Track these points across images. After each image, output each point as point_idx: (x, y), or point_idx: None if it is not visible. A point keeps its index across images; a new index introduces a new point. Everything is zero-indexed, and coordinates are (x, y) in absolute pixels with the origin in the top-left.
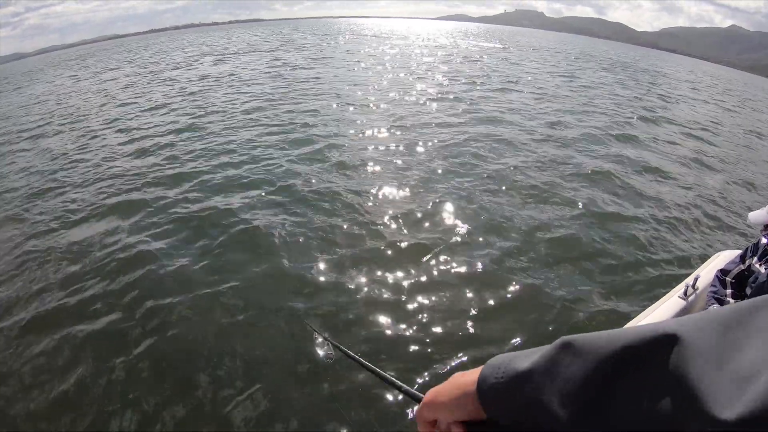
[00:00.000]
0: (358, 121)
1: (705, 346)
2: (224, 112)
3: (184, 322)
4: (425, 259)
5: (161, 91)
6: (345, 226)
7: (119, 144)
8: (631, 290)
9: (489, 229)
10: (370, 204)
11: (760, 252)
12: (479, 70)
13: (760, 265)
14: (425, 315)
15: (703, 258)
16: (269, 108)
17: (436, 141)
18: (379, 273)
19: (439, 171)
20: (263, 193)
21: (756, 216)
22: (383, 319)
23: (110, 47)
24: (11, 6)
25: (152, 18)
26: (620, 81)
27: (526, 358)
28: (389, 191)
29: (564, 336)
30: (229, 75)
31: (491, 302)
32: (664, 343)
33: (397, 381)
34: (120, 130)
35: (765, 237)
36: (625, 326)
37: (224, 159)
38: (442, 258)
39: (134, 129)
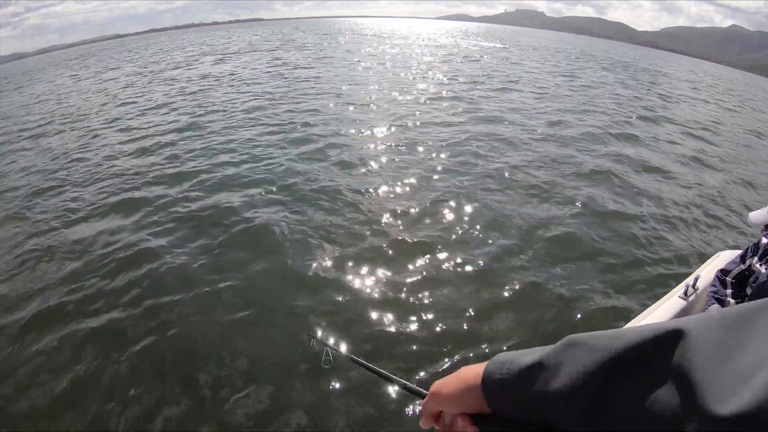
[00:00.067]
0: (359, 121)
1: (710, 342)
2: (225, 111)
3: (185, 321)
4: (426, 257)
5: (162, 90)
6: (346, 225)
7: (120, 143)
8: (632, 289)
9: (490, 227)
10: (370, 202)
11: (760, 252)
12: (479, 70)
13: (761, 265)
14: (426, 313)
15: (704, 257)
16: (270, 107)
17: (436, 140)
18: (379, 271)
19: (440, 170)
20: (264, 192)
21: (756, 216)
22: (384, 317)
23: (110, 47)
24: (11, 6)
25: (152, 18)
26: (621, 80)
27: (531, 355)
28: (390, 190)
29: (569, 335)
30: (230, 74)
31: (492, 300)
32: (669, 339)
33: (400, 379)
34: (121, 130)
35: (765, 237)
36: (626, 326)
37: (225, 158)
38: (442, 256)
39: (135, 128)
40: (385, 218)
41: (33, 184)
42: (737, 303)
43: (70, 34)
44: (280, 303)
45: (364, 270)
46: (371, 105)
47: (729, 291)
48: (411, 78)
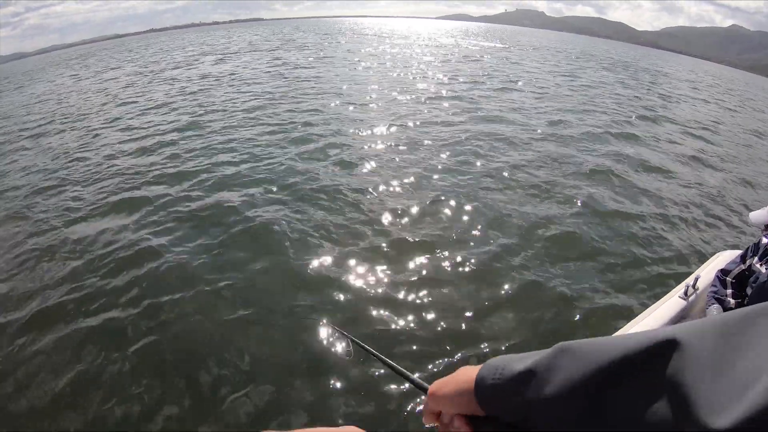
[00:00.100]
0: (359, 120)
1: (704, 351)
2: (225, 111)
3: (186, 320)
4: (426, 256)
5: (162, 90)
6: (346, 224)
7: (120, 142)
8: (632, 289)
9: (490, 226)
10: (371, 202)
11: (760, 252)
12: (480, 70)
13: (761, 265)
14: (427, 312)
15: (704, 257)
16: (270, 107)
17: (437, 139)
18: (379, 270)
19: (440, 169)
20: (264, 191)
21: (756, 216)
22: (384, 316)
23: (110, 47)
24: (11, 6)
25: (152, 18)
26: (621, 80)
27: (523, 361)
28: (390, 189)
29: (561, 342)
30: (230, 74)
31: (492, 299)
32: (662, 348)
33: (409, 374)
34: (121, 129)
35: (766, 237)
36: (625, 326)
37: (225, 157)
38: (443, 255)
39: (135, 128)
40: (386, 217)
41: (33, 183)
42: (737, 303)
43: (70, 34)
44: (280, 302)
45: (364, 269)
46: (371, 104)
47: (729, 291)
48: (411, 78)
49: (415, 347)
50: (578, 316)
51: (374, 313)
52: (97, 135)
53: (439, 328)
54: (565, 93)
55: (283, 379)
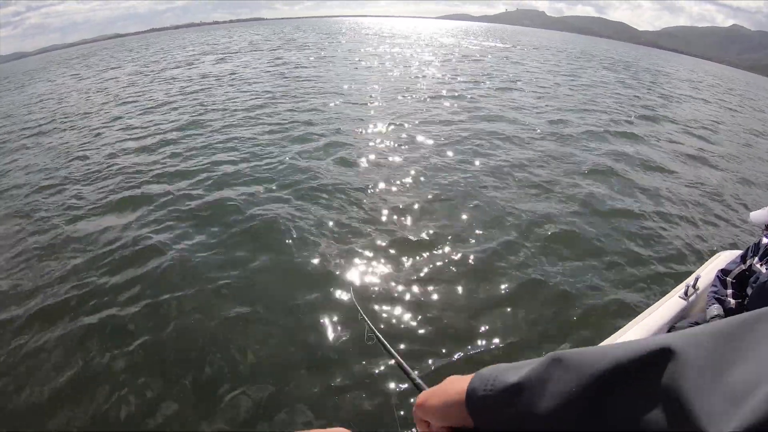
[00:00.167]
0: (360, 119)
1: (700, 359)
2: (226, 110)
3: (187, 317)
4: (427, 254)
5: (163, 89)
6: (347, 222)
7: (121, 141)
8: (632, 287)
9: (490, 224)
10: (371, 200)
11: (761, 252)
12: (480, 69)
13: (761, 265)
14: (427, 310)
15: (704, 257)
16: (271, 106)
17: (437, 138)
18: (379, 268)
19: (441, 167)
20: (264, 190)
21: (757, 216)
22: (384, 314)
23: (111, 46)
24: (12, 5)
25: (152, 17)
26: (621, 80)
27: (515, 372)
28: (391, 188)
29: (553, 352)
30: (231, 74)
31: (493, 296)
32: (657, 357)
33: (411, 371)
34: (122, 128)
35: (766, 237)
36: (625, 326)
37: (226, 156)
38: (443, 253)
39: (136, 127)
40: (386, 216)
41: (35, 182)
42: (738, 303)
43: (70, 34)
44: (280, 300)
45: (365, 267)
46: (372, 104)
47: (729, 291)
48: (412, 77)
49: (414, 345)
50: (578, 314)
51: (374, 310)
52: (98, 134)
53: (438, 326)
54: (566, 92)
55: (283, 377)
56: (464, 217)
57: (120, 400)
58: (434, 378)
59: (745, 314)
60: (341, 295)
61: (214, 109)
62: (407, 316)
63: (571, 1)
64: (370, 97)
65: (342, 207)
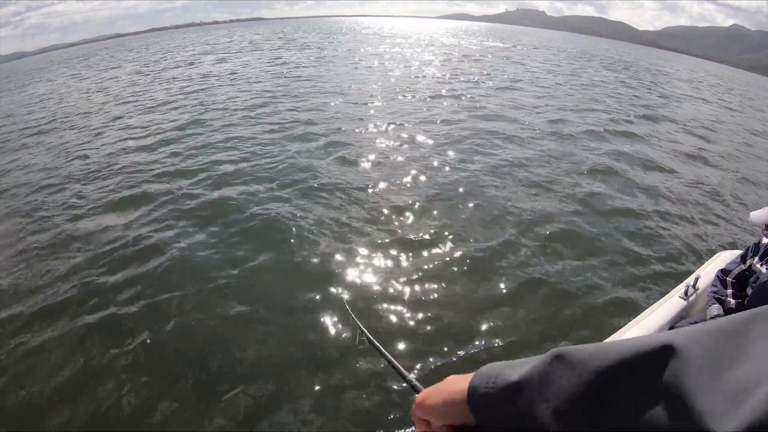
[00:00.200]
0: (360, 118)
1: (701, 357)
2: (226, 109)
3: (188, 315)
4: (427, 253)
5: (163, 89)
6: (347, 221)
7: (122, 141)
8: (632, 286)
9: (490, 223)
10: (372, 199)
11: (761, 252)
12: (481, 69)
13: (761, 265)
14: (427, 309)
15: (704, 257)
16: (271, 105)
17: (438, 137)
18: (380, 267)
19: (441, 166)
20: (265, 189)
21: (757, 216)
22: (384, 313)
23: (111, 46)
24: (12, 5)
25: (153, 17)
26: (621, 80)
27: (517, 369)
28: (391, 187)
29: (556, 348)
30: (231, 73)
31: (493, 295)
32: (659, 354)
33: (407, 374)
34: (122, 128)
35: (766, 237)
36: (626, 326)
37: (226, 155)
38: (443, 252)
39: (137, 126)
40: (386, 214)
41: (35, 181)
42: (738, 303)
43: (70, 34)
44: (281, 299)
45: (365, 267)
46: (372, 103)
47: (729, 291)
48: (412, 77)
49: (413, 344)
50: (578, 314)
51: (374, 308)
52: (98, 134)
53: (438, 325)
54: (566, 92)
55: (283, 377)
56: (464, 216)
57: (120, 399)
58: (434, 377)
59: (746, 312)
60: (341, 294)
61: (214, 109)
62: (407, 315)
63: (571, 1)
64: (371, 96)
65: (342, 206)
